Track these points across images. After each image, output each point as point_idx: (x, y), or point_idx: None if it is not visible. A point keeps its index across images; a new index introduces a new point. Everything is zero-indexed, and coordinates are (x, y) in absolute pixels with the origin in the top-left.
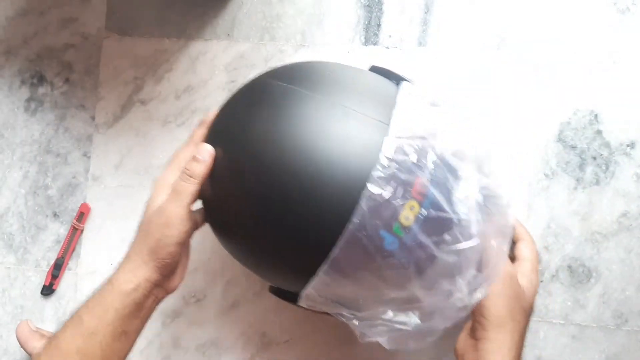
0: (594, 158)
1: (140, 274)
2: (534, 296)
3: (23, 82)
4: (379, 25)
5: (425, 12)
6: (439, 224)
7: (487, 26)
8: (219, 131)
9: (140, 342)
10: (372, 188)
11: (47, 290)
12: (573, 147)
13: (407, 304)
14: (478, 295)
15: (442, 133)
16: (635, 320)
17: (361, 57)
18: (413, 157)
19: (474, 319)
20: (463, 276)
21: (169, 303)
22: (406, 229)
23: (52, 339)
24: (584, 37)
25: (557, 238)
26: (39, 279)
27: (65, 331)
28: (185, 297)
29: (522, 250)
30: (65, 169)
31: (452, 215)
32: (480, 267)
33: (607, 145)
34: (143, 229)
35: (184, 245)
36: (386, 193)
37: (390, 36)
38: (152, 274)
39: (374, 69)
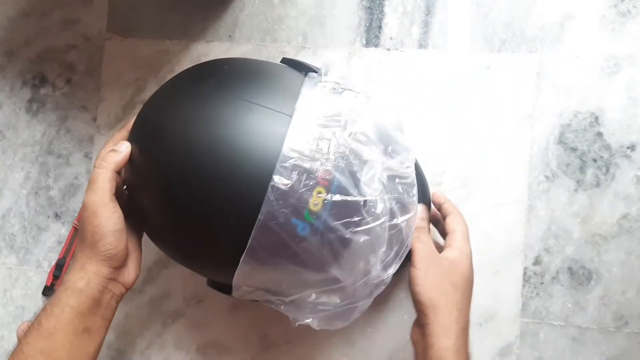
0: (595, 160)
1: (89, 270)
2: (468, 264)
3: (25, 83)
4: (380, 27)
5: (427, 14)
6: (347, 207)
7: (488, 28)
8: (136, 131)
9: (141, 343)
10: (276, 178)
11: (49, 291)
12: (574, 149)
13: (329, 285)
14: (390, 271)
15: (346, 119)
16: (636, 322)
17: (362, 59)
18: (315, 146)
19: (415, 309)
20: (376, 254)
21: (170, 304)
22: (316, 214)
23: (15, 347)
24: (585, 39)
25: (557, 240)
26: (41, 279)
27: (27, 336)
28: (186, 299)
29: (451, 223)
30: (67, 170)
31: (358, 198)
32: (391, 245)
33: (607, 147)
34: (79, 226)
35: (122, 232)
36: (289, 182)
37: (391, 38)
38: (100, 268)
39: (285, 61)
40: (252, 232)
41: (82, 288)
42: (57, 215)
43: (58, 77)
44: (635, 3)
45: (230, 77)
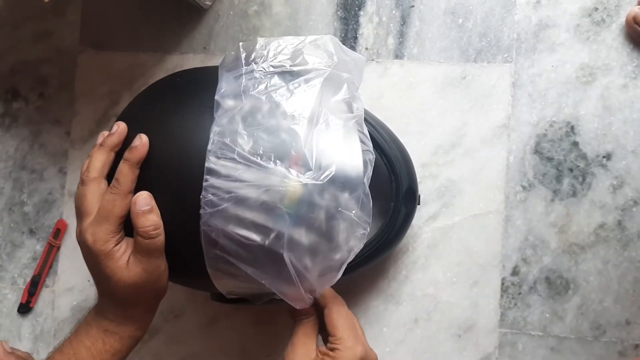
0: (571, 170)
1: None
2: None
3: None
4: (355, 37)
5: (402, 25)
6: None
7: (463, 38)
8: None
9: None
10: (210, 179)
11: (24, 308)
12: (550, 159)
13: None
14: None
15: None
16: (613, 331)
17: None
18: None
19: None
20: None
21: None
22: (297, 201)
23: None
24: (560, 48)
25: (535, 250)
26: (16, 296)
27: None
28: (164, 313)
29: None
30: (41, 185)
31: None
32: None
33: (583, 156)
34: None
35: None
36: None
37: (367, 48)
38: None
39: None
40: (203, 244)
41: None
42: (31, 231)
43: (31, 91)
44: (609, 12)
45: (185, 87)
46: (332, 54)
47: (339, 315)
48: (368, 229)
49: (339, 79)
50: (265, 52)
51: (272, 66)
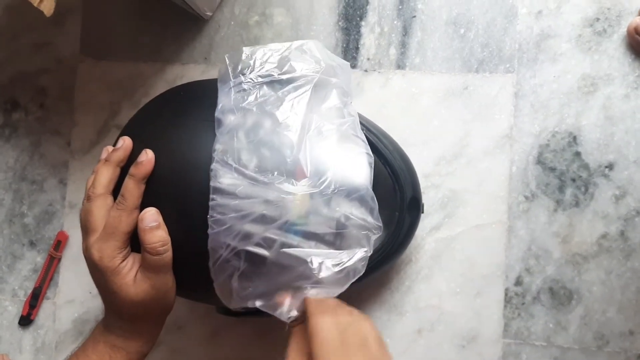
0: (573, 180)
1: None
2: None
3: None
4: (357, 48)
5: (404, 35)
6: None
7: (465, 48)
8: None
9: None
10: (217, 195)
11: (25, 321)
12: (552, 169)
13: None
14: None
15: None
16: (616, 341)
17: None
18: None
19: None
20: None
21: None
22: (306, 213)
23: None
24: (562, 58)
25: (538, 260)
26: (17, 309)
27: None
28: (166, 325)
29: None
30: (41, 196)
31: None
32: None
33: (585, 167)
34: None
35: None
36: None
37: (368, 59)
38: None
39: None
40: (210, 261)
41: None
42: (32, 243)
43: (30, 101)
44: (610, 22)
45: (188, 101)
46: (318, 59)
47: (316, 329)
48: (379, 233)
49: (328, 84)
50: (251, 62)
51: (259, 76)
